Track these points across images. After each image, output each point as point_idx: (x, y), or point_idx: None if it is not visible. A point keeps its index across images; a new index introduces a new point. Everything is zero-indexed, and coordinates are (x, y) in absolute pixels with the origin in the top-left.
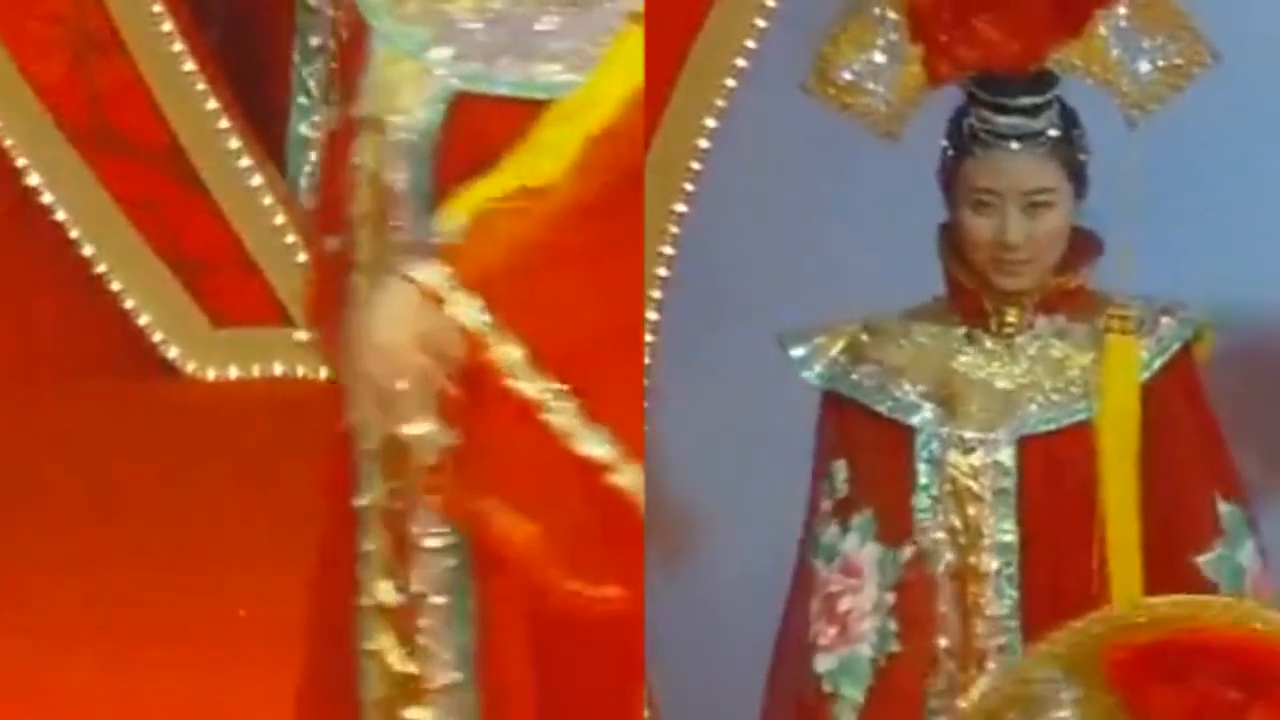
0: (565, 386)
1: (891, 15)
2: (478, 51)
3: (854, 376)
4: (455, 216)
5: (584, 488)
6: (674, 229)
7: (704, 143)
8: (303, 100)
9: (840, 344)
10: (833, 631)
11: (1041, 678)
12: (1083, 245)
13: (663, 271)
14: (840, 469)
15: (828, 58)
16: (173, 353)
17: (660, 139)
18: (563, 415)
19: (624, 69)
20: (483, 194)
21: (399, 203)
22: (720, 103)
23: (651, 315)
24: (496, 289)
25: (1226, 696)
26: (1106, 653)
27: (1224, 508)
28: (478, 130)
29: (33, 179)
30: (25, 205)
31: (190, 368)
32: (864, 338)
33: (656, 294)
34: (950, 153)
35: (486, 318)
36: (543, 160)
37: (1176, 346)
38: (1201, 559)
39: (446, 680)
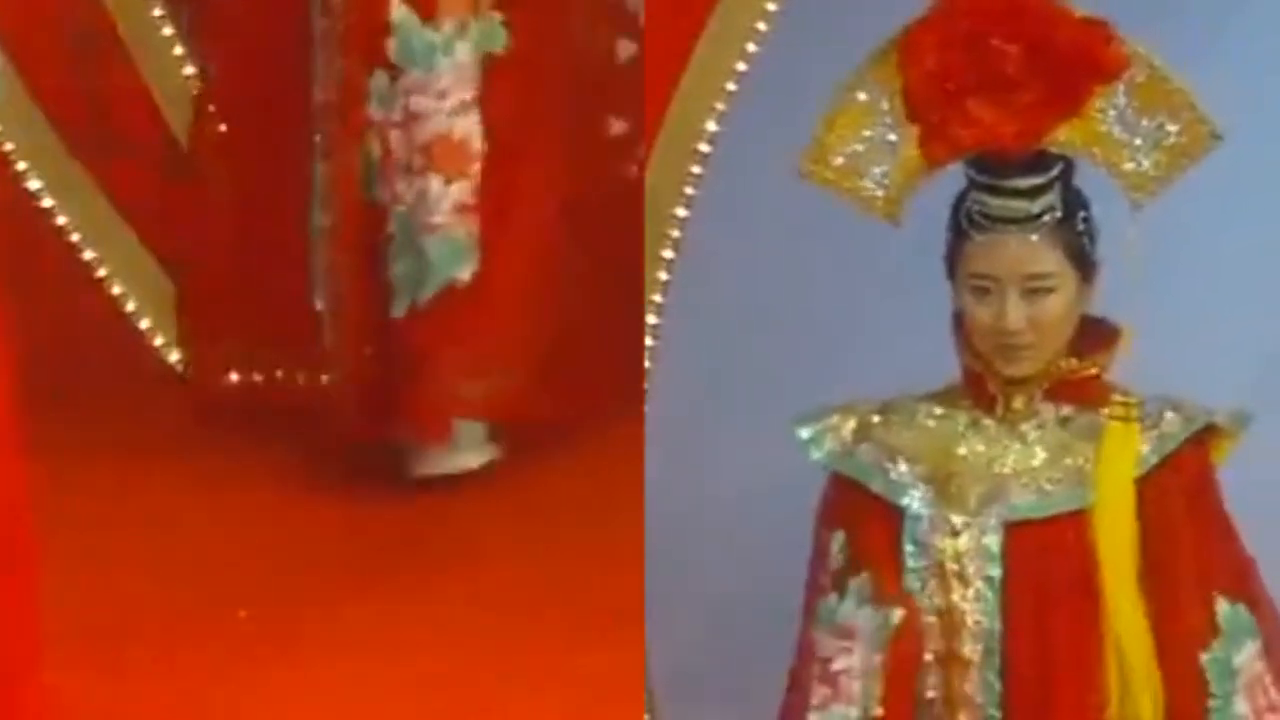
0: None
1: (887, 96)
2: None
3: (855, 456)
4: None
5: None
6: (674, 232)
7: (704, 146)
8: None
9: (852, 424)
10: (826, 691)
11: None
12: (1096, 334)
13: (663, 275)
14: (838, 538)
15: (823, 141)
16: (174, 357)
17: (661, 142)
18: None
19: None
20: None
21: None
22: (720, 106)
23: (651, 319)
24: None
25: None
26: None
27: (1224, 607)
28: None
29: (33, 183)
30: (25, 208)
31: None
32: (874, 418)
33: (657, 298)
34: (950, 236)
35: None
36: None
37: (1173, 445)
38: (1205, 657)
39: None
